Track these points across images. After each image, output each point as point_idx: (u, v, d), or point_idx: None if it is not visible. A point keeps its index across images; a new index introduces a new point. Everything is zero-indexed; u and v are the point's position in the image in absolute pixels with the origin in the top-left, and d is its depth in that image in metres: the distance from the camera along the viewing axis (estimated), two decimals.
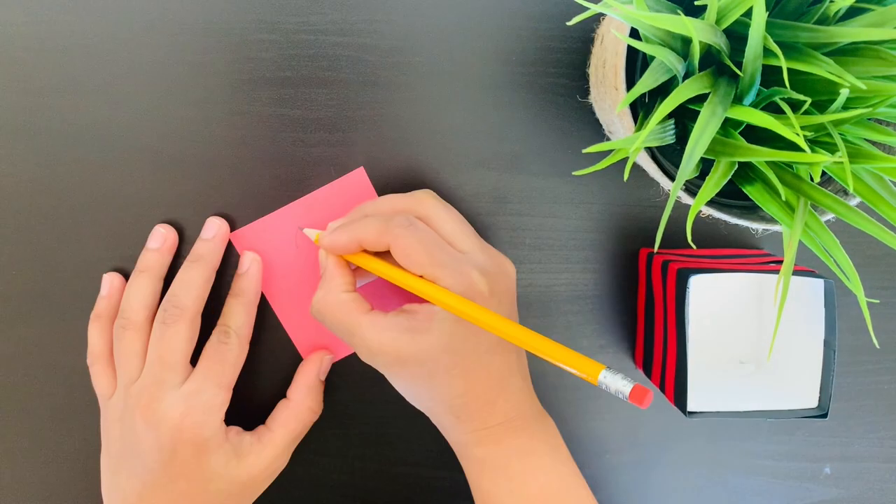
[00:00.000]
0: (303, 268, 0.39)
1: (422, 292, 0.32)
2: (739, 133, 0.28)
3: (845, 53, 0.26)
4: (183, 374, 0.34)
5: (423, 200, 0.35)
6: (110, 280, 0.37)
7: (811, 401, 0.36)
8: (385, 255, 0.34)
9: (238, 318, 0.37)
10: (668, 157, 0.31)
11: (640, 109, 0.30)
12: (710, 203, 0.31)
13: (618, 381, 0.26)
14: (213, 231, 0.37)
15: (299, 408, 0.38)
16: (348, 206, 0.38)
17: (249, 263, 0.38)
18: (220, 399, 0.35)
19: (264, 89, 0.37)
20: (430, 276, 0.32)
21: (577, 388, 0.42)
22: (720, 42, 0.26)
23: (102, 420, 0.37)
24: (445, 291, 0.31)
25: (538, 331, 0.41)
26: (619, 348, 0.42)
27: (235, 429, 0.36)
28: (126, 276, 0.38)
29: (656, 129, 0.28)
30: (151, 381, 0.34)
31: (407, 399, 0.35)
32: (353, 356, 0.40)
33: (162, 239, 0.37)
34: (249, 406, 0.39)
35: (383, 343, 0.32)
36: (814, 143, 0.28)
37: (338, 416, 0.41)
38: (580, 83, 0.39)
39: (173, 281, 0.36)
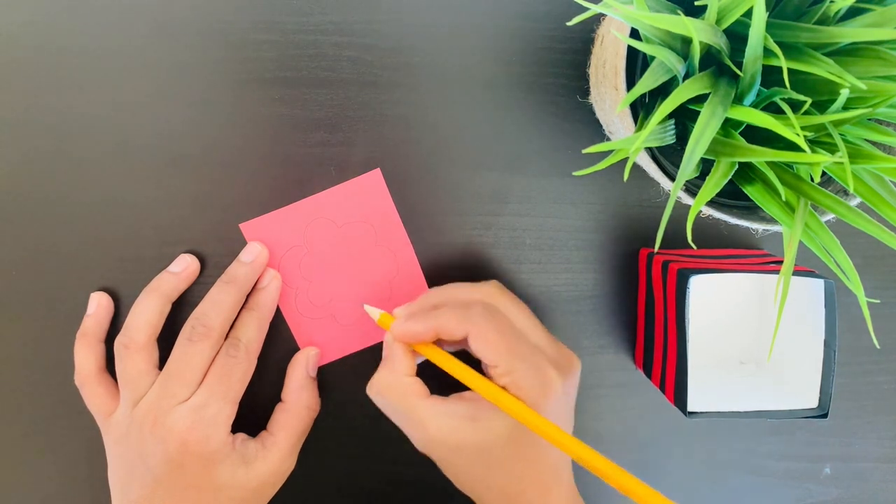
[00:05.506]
0: (309, 263, 0.39)
1: (491, 395, 0.32)
2: (739, 133, 0.28)
3: (845, 53, 0.26)
4: (193, 390, 0.34)
5: (494, 294, 0.35)
6: (97, 299, 0.37)
7: (811, 401, 0.36)
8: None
9: (250, 331, 0.36)
10: (668, 157, 0.31)
11: (641, 109, 0.30)
12: (711, 203, 0.31)
13: None
14: (253, 256, 0.37)
15: (295, 408, 0.38)
16: (361, 207, 0.38)
17: (270, 280, 0.38)
18: (226, 413, 0.35)
19: (264, 89, 0.37)
20: (507, 367, 0.32)
21: (578, 388, 0.42)
22: (720, 42, 0.26)
23: (105, 439, 0.36)
24: (514, 400, 0.32)
25: None
26: (619, 348, 0.42)
27: (241, 436, 0.36)
28: (114, 295, 0.38)
29: (656, 129, 0.28)
30: (162, 395, 0.34)
31: (455, 484, 0.35)
32: (352, 357, 0.40)
33: (184, 264, 0.37)
34: (256, 410, 0.39)
35: (442, 429, 0.33)
36: (814, 144, 0.28)
37: (337, 415, 0.41)
38: (580, 83, 0.39)
39: (204, 298, 0.36)
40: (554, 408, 0.33)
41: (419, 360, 0.37)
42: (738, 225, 0.31)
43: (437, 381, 0.35)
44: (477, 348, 0.33)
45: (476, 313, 0.33)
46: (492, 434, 0.32)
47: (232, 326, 0.37)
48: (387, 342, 0.36)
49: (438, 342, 0.36)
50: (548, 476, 0.34)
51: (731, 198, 0.32)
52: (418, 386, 0.34)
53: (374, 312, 0.38)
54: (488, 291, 0.36)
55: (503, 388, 0.33)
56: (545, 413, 0.32)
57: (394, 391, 0.34)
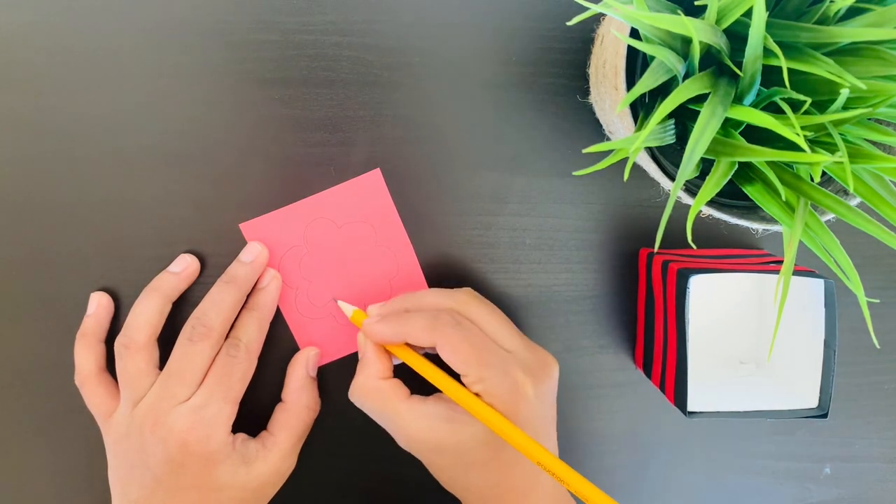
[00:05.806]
0: (309, 263, 0.39)
1: (463, 402, 0.33)
2: (739, 133, 0.28)
3: (845, 53, 0.26)
4: (193, 390, 0.34)
5: (466, 301, 0.36)
6: (97, 299, 0.37)
7: (811, 401, 0.36)
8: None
9: (250, 331, 0.36)
10: (668, 157, 0.31)
11: (641, 109, 0.30)
12: (711, 203, 0.31)
13: None
14: (253, 256, 0.37)
15: (296, 408, 0.38)
16: (360, 207, 0.38)
17: (269, 280, 0.38)
18: (226, 413, 0.35)
19: (264, 89, 0.37)
20: (476, 375, 0.32)
21: (576, 388, 0.42)
22: (720, 42, 0.26)
23: (106, 439, 0.36)
24: (486, 407, 0.32)
25: (538, 331, 0.41)
26: (620, 348, 0.42)
27: (242, 436, 0.36)
28: (114, 295, 0.38)
29: (656, 129, 0.28)
30: (162, 395, 0.34)
31: (440, 483, 0.35)
32: (352, 357, 0.40)
33: (184, 264, 0.37)
34: (256, 410, 0.39)
35: (422, 431, 0.33)
36: (814, 143, 0.28)
37: (337, 415, 0.40)
38: (580, 83, 0.39)
39: (204, 298, 0.36)
40: (527, 414, 0.33)
41: (397, 362, 0.37)
42: (738, 225, 0.31)
43: (421, 377, 0.35)
44: (446, 358, 0.33)
45: (444, 323, 0.33)
46: (467, 436, 0.33)
47: (232, 326, 0.37)
48: (360, 341, 0.37)
49: (412, 344, 0.36)
50: (525, 481, 0.34)
51: (731, 198, 0.32)
52: (397, 388, 0.35)
53: (348, 309, 0.38)
54: (460, 299, 0.36)
55: (477, 395, 0.33)
56: (517, 419, 0.32)
57: (372, 396, 0.35)
